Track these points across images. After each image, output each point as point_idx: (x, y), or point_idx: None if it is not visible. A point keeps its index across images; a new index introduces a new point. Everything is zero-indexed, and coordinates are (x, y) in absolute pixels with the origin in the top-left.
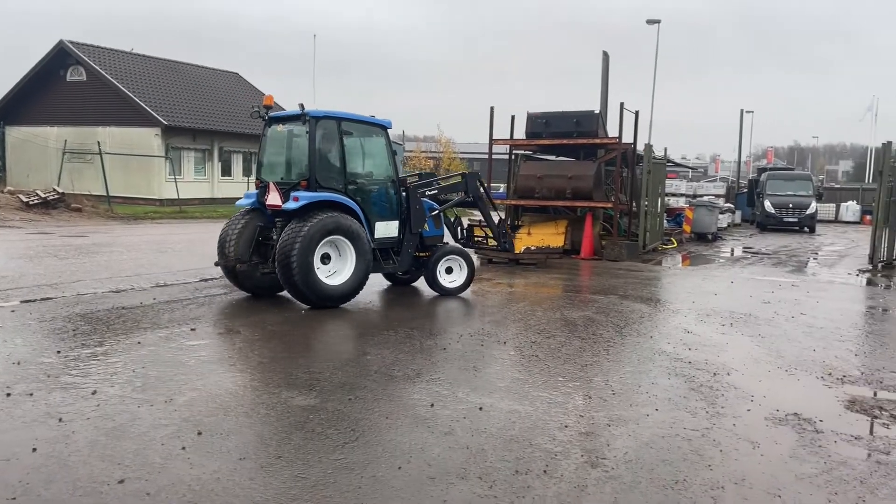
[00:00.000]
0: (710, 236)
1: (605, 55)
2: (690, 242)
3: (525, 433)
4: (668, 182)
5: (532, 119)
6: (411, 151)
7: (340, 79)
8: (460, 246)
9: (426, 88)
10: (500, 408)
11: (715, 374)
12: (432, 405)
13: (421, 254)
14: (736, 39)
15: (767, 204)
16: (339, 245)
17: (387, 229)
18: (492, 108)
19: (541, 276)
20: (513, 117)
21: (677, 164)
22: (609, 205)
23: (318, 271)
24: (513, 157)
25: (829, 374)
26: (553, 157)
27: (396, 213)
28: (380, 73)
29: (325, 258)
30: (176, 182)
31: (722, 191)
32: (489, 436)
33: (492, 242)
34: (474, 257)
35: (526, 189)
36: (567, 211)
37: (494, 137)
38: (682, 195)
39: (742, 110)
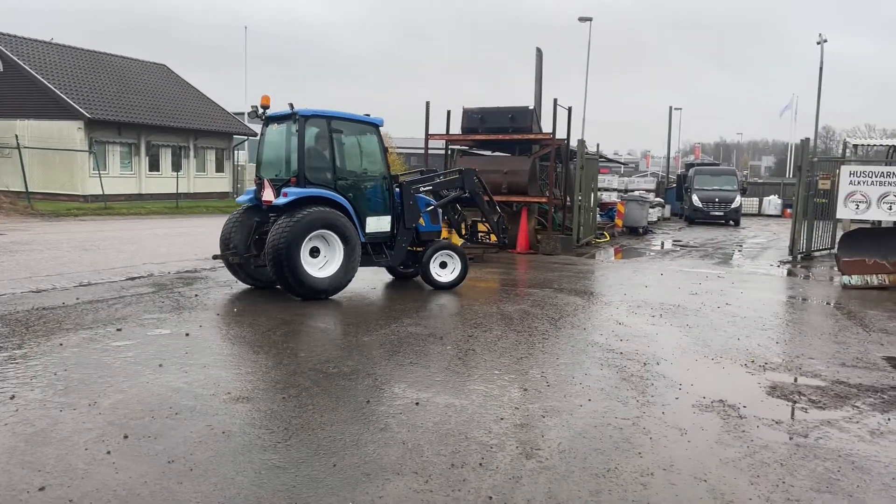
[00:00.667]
0: (641, 230)
1: (539, 52)
2: (622, 236)
3: (461, 427)
4: (600, 177)
5: (468, 114)
6: None
7: (274, 70)
8: (449, 241)
9: (362, 81)
10: (437, 402)
11: (645, 363)
12: (368, 401)
13: (417, 248)
14: (663, 38)
15: (695, 198)
16: (328, 239)
17: (378, 224)
18: (427, 103)
19: (477, 271)
20: (448, 112)
21: (609, 160)
22: (544, 200)
23: (305, 264)
24: (449, 152)
25: (752, 361)
26: (489, 153)
27: (388, 209)
28: (313, 65)
29: (315, 252)
30: (101, 177)
31: (652, 186)
32: (425, 430)
33: (494, 238)
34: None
35: None
36: (502, 205)
37: (431, 132)
38: (614, 190)
39: (671, 107)
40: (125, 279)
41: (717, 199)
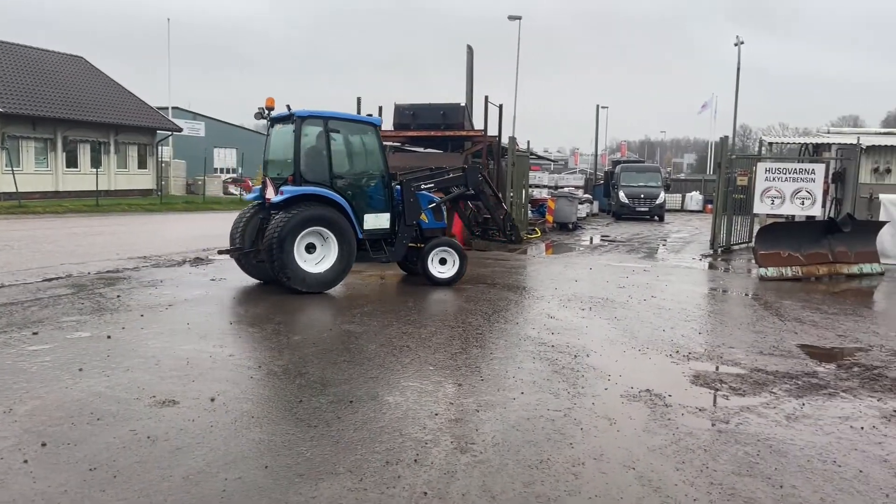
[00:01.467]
0: (570, 226)
1: (470, 49)
2: (553, 232)
3: (395, 423)
4: (531, 174)
5: (399, 110)
6: None
7: (198, 64)
8: (449, 238)
9: (285, 75)
10: (371, 400)
11: (576, 356)
12: (300, 401)
13: (419, 245)
14: (591, 39)
15: (622, 195)
16: (323, 235)
17: (377, 221)
18: (358, 99)
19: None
20: (380, 108)
21: (540, 157)
22: None
23: (300, 259)
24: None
25: (677, 351)
26: (421, 149)
27: (387, 206)
28: (239, 60)
29: (311, 247)
30: (14, 174)
31: (581, 182)
32: (359, 428)
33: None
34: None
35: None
36: None
37: None
38: (544, 187)
39: (598, 106)
40: (41, 280)
41: (642, 196)
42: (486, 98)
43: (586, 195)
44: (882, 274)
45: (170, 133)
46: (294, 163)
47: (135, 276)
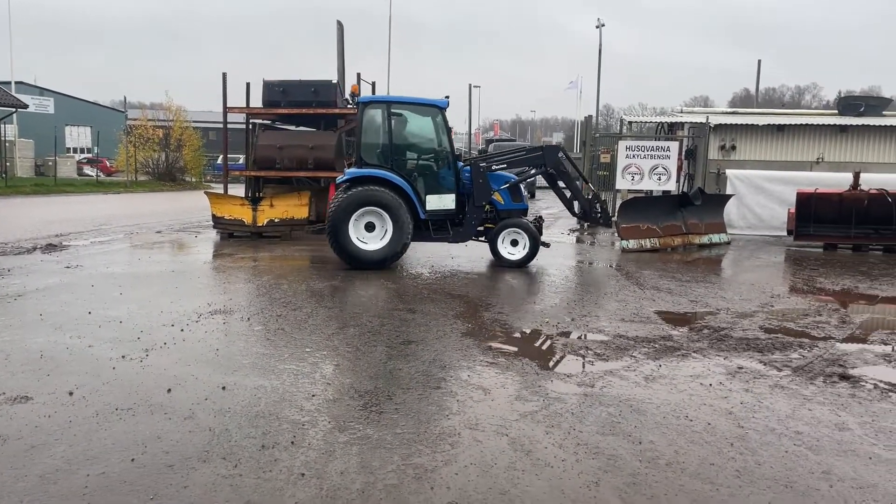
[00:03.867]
0: None
1: (340, 25)
2: None
3: (271, 407)
4: None
5: (269, 87)
6: (136, 120)
7: (44, 42)
8: (521, 219)
9: (149, 53)
10: (245, 385)
11: (451, 330)
12: (169, 390)
13: (490, 226)
14: (463, 20)
15: None
16: (381, 215)
17: (441, 202)
18: (224, 74)
19: (286, 249)
20: (248, 84)
21: None
22: None
23: (355, 237)
24: (250, 126)
25: (547, 322)
26: (293, 127)
27: (452, 187)
28: (94, 37)
29: (371, 226)
30: None
31: None
32: (233, 415)
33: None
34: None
35: (266, 160)
36: (310, 182)
37: (229, 105)
38: None
39: (470, 85)
40: None
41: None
42: (359, 75)
43: None
44: (728, 243)
45: (13, 110)
46: (356, 146)
47: None
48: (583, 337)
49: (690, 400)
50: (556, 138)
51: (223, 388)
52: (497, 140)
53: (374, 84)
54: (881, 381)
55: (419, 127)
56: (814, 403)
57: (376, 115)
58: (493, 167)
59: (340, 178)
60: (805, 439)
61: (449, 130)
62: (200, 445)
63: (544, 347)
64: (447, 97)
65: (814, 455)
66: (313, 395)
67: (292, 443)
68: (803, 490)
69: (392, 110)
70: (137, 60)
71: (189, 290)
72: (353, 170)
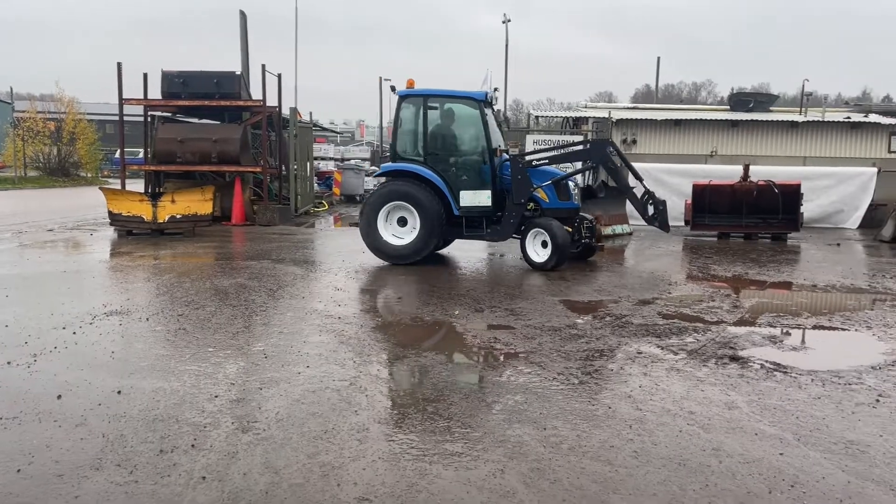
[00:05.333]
0: (358, 198)
1: (243, 15)
2: (341, 204)
3: (171, 410)
4: (317, 146)
5: (168, 78)
6: (24, 112)
7: None
8: (551, 219)
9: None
10: (142, 388)
11: (362, 325)
12: (60, 397)
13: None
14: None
15: None
16: (411, 210)
17: (475, 198)
18: (119, 65)
19: (189, 246)
20: (145, 75)
21: (324, 129)
22: (258, 169)
23: (385, 231)
24: (149, 119)
25: (458, 313)
26: (195, 120)
27: (488, 183)
28: None
29: (404, 221)
30: None
31: (368, 155)
32: (129, 419)
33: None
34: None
35: (167, 154)
36: (214, 176)
37: (126, 97)
38: (331, 159)
39: (381, 78)
40: None
41: None
42: (263, 67)
43: (373, 167)
44: (631, 234)
45: None
46: (392, 140)
47: None
48: (491, 328)
49: (594, 386)
50: None
51: (118, 392)
52: None
53: (279, 76)
54: (767, 362)
55: (455, 120)
56: (706, 385)
57: (412, 108)
58: (535, 163)
59: (376, 172)
60: (698, 419)
61: (487, 124)
62: (93, 453)
63: (455, 338)
64: (496, 89)
65: (705, 433)
66: (216, 396)
67: (193, 446)
68: (695, 467)
69: (428, 104)
70: (26, 49)
71: (83, 291)
72: (386, 164)
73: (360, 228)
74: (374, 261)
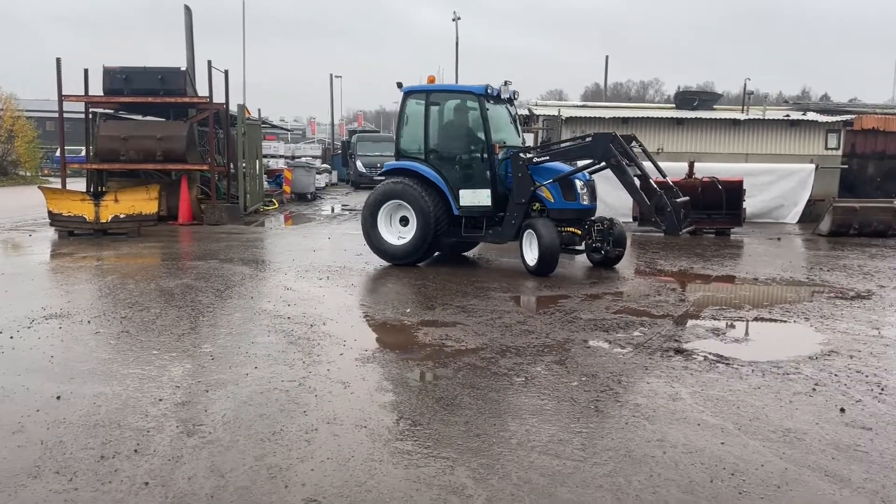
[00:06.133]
0: (309, 196)
1: (188, 10)
2: (292, 203)
3: (113, 415)
4: (266, 144)
5: (110, 74)
6: None
7: None
8: (540, 218)
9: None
10: (83, 393)
11: (312, 325)
12: None
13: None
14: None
15: (359, 164)
16: (409, 209)
17: (475, 198)
18: (58, 60)
19: (133, 246)
20: (86, 71)
21: (274, 126)
22: (205, 167)
23: (385, 230)
24: (91, 116)
25: (409, 311)
26: (139, 117)
27: (487, 182)
28: None
29: (405, 220)
30: None
31: (319, 152)
32: (69, 425)
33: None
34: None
35: (109, 151)
36: (160, 174)
37: (66, 93)
38: (281, 157)
39: (332, 75)
40: None
41: (379, 165)
42: (210, 63)
43: (325, 165)
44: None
45: None
46: (396, 137)
47: None
48: (441, 324)
49: (544, 380)
50: None
51: (58, 397)
52: (361, 131)
53: (226, 72)
54: (710, 354)
55: (456, 116)
56: (652, 377)
57: (415, 104)
58: (536, 159)
59: (382, 170)
60: (643, 410)
61: (487, 119)
62: (31, 460)
63: (406, 337)
64: (507, 82)
65: (650, 424)
66: (160, 400)
67: (136, 451)
68: (640, 458)
69: (431, 99)
70: None
71: (21, 294)
72: (390, 162)
73: (362, 227)
74: (326, 260)
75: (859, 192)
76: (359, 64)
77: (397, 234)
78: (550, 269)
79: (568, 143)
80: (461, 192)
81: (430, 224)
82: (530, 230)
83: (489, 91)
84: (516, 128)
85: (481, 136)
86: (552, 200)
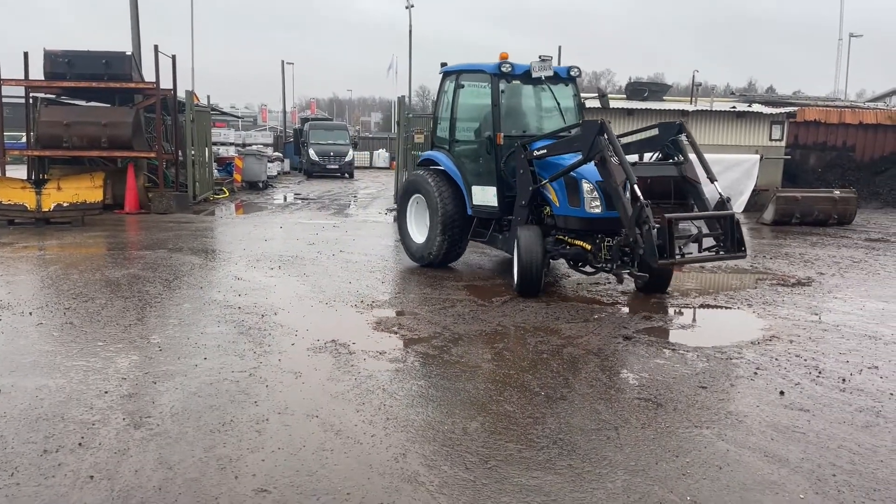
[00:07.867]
0: (261, 184)
1: None
2: (243, 191)
3: (56, 408)
4: (217, 131)
5: (51, 58)
6: None
7: None
8: (525, 228)
9: None
10: (25, 386)
11: (263, 315)
12: None
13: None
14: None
15: (312, 152)
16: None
17: (483, 195)
18: None
19: (77, 236)
20: (26, 54)
21: (224, 113)
22: (152, 154)
23: (411, 227)
24: (31, 101)
25: (362, 301)
26: (83, 103)
27: (492, 177)
28: None
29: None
30: None
31: (271, 140)
32: (10, 419)
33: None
34: None
35: (51, 138)
36: (105, 162)
37: (5, 77)
38: (231, 144)
39: (283, 62)
40: None
41: (332, 153)
42: (156, 47)
43: (276, 153)
44: None
45: None
46: (433, 124)
47: None
48: (396, 315)
49: (496, 368)
50: (375, 118)
51: None
52: (313, 119)
53: (174, 58)
54: (657, 340)
55: (473, 100)
56: (599, 363)
57: (448, 87)
58: (536, 152)
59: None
60: (592, 395)
61: (497, 104)
62: None
63: (359, 327)
64: (544, 58)
65: (606, 408)
66: (106, 392)
67: (80, 444)
68: (585, 444)
69: (460, 81)
70: None
71: None
72: (426, 152)
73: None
74: (278, 249)
75: (801, 182)
76: (312, 51)
77: (424, 230)
78: (534, 291)
79: (567, 134)
80: (473, 188)
81: (438, 223)
82: (515, 240)
83: (503, 69)
84: (561, 115)
85: (490, 122)
86: (557, 204)
